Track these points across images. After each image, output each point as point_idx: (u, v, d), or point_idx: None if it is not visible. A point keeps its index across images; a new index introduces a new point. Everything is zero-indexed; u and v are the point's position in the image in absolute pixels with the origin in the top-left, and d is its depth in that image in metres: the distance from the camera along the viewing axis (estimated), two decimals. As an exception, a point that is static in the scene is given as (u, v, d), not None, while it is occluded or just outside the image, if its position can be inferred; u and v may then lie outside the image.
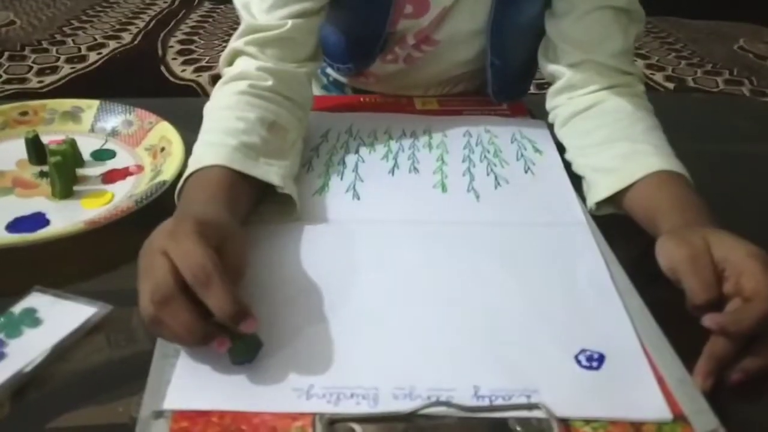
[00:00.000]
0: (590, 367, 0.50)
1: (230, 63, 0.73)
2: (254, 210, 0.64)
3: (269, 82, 0.69)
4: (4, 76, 2.49)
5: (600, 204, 0.67)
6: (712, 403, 0.47)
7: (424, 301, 0.55)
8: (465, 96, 0.93)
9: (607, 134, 0.70)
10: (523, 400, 0.47)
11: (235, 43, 0.72)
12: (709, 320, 0.49)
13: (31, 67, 2.56)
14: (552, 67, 0.78)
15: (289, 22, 0.71)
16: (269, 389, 0.47)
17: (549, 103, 0.80)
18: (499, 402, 0.46)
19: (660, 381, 0.49)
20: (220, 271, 0.47)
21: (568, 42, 0.76)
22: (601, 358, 0.50)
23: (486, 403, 0.46)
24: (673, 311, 0.53)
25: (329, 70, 0.96)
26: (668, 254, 0.55)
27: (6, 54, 2.67)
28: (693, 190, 0.63)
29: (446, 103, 0.87)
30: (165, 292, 0.47)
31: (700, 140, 0.85)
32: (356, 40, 0.86)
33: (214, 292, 0.46)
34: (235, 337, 0.48)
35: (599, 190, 0.67)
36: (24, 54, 2.68)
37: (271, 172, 0.62)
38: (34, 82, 2.44)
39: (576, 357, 0.50)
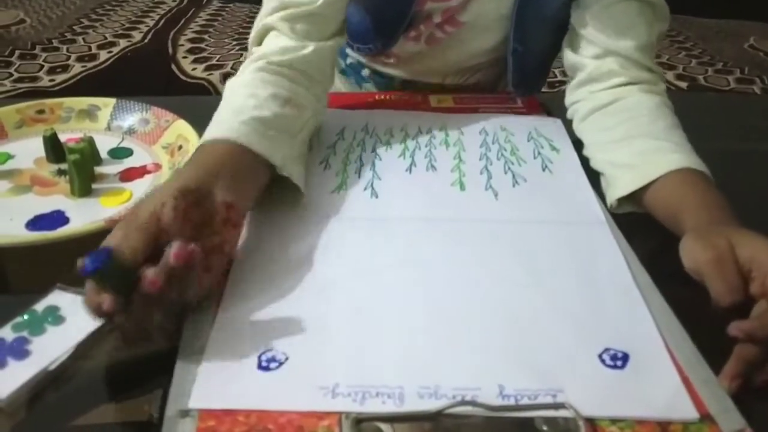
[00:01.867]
0: (615, 366, 0.50)
1: (260, 41, 0.73)
2: (267, 194, 0.63)
3: (289, 57, 0.69)
4: (16, 75, 2.49)
5: (620, 201, 0.67)
6: (738, 402, 0.47)
7: (446, 299, 0.55)
8: (482, 90, 0.92)
9: (627, 130, 0.70)
10: (548, 400, 0.46)
11: (266, 19, 0.72)
12: (735, 329, 0.48)
13: (42, 66, 2.56)
14: (574, 59, 0.78)
15: None
16: (295, 388, 0.47)
17: (569, 98, 0.80)
18: (525, 401, 0.46)
19: (685, 381, 0.49)
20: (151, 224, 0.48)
21: (592, 32, 0.76)
22: (625, 357, 0.50)
23: (511, 402, 0.46)
24: (695, 310, 0.53)
25: (348, 51, 0.96)
26: (692, 255, 0.54)
27: (17, 53, 2.67)
28: (715, 188, 0.63)
29: (461, 101, 0.87)
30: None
31: (715, 138, 0.85)
32: (382, 19, 0.85)
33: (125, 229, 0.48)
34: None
35: (620, 186, 0.66)
36: (35, 53, 2.68)
37: (274, 150, 0.61)
38: (45, 81, 2.44)
39: (600, 356, 0.50)
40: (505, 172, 0.73)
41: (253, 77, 0.67)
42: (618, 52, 0.75)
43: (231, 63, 2.60)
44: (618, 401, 0.47)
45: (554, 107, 0.86)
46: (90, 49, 2.45)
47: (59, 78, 2.46)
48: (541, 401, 0.46)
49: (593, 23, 0.76)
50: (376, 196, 0.68)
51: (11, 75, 2.49)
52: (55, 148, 0.71)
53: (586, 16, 0.77)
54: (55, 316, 0.53)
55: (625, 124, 0.71)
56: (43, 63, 2.60)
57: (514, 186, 0.71)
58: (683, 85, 1.72)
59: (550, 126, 0.82)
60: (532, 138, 0.79)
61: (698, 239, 0.55)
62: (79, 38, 2.45)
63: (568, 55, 0.80)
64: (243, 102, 0.64)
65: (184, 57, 2.69)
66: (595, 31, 0.76)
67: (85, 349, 0.50)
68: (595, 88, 0.76)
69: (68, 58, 2.63)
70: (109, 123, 0.77)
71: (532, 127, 0.81)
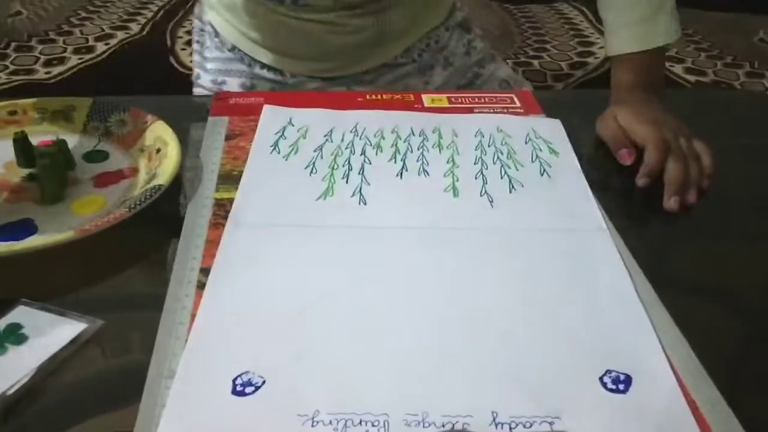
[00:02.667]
0: (617, 390, 0.46)
1: None
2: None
3: None
4: (11, 67, 2.46)
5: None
6: (747, 427, 0.44)
7: (437, 317, 0.52)
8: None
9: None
10: (545, 428, 0.43)
11: None
12: (640, 180, 0.70)
13: (38, 58, 2.53)
14: None
15: None
16: (272, 416, 0.43)
17: None
18: (520, 429, 0.43)
19: (691, 404, 0.45)
20: None
21: None
22: (628, 380, 0.47)
23: (506, 430, 0.43)
24: (700, 322, 0.50)
25: None
26: (606, 122, 0.78)
27: (13, 45, 2.64)
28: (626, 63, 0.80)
29: (456, 101, 0.83)
30: None
31: (732, 136, 0.82)
32: None
33: None
34: None
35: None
36: (31, 45, 2.65)
37: None
38: (41, 73, 2.41)
39: (601, 379, 0.47)
40: (502, 177, 0.69)
41: None
42: None
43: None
44: (620, 428, 0.44)
45: (553, 107, 0.82)
46: (87, 41, 2.42)
47: (56, 70, 2.43)
48: (538, 429, 0.43)
49: None
50: (365, 203, 0.64)
51: (7, 67, 2.46)
52: (25, 152, 0.67)
53: None
54: (17, 335, 0.49)
55: None
56: (39, 55, 2.56)
57: (510, 192, 0.67)
58: (692, 78, 1.69)
59: (549, 127, 0.78)
60: (530, 140, 0.76)
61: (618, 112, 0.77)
62: (76, 30, 2.42)
63: None
64: None
65: (183, 49, 2.65)
66: None
67: (48, 370, 0.47)
68: None
69: (65, 50, 2.60)
70: (85, 124, 0.74)
71: (530, 128, 0.78)
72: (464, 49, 1.03)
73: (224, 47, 0.99)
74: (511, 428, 0.43)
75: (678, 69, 1.74)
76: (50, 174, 0.63)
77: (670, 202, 0.67)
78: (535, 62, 1.76)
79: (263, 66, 0.97)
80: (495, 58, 1.07)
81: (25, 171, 0.67)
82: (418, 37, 0.99)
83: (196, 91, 1.02)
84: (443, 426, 0.43)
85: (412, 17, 0.96)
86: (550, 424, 0.44)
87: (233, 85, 0.98)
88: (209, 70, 1.00)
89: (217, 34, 1.00)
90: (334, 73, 0.97)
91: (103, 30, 2.34)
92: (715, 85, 1.67)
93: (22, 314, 0.51)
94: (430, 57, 1.00)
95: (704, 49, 1.86)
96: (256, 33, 0.95)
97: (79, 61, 2.51)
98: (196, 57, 1.04)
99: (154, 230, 0.62)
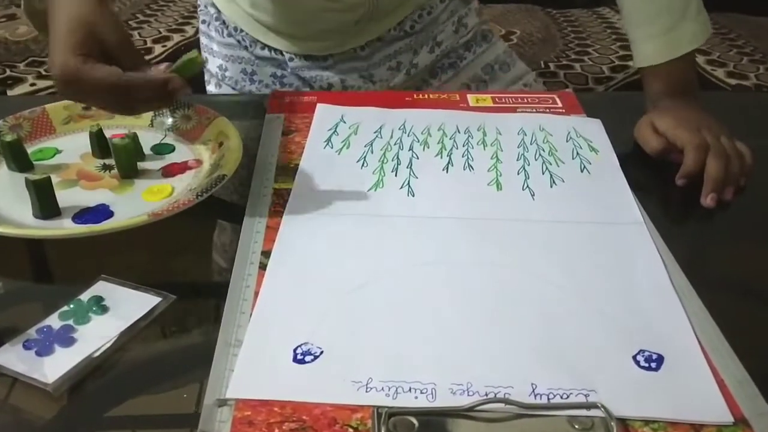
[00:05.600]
0: (649, 368, 0.49)
1: None
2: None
3: None
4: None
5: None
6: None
7: (481, 298, 0.55)
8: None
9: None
10: (581, 400, 0.46)
11: None
12: (679, 180, 0.73)
13: (100, 61, 2.62)
14: None
15: None
16: (329, 381, 0.48)
17: None
18: (557, 400, 0.46)
19: (720, 383, 0.48)
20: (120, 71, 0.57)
21: None
22: (660, 359, 0.50)
23: (543, 401, 0.46)
24: (732, 313, 0.53)
25: None
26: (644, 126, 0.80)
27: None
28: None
29: (500, 101, 0.87)
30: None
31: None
32: None
33: (138, 87, 0.59)
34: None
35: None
36: (93, 48, 2.74)
37: None
38: (104, 74, 2.49)
39: (634, 357, 0.50)
40: (543, 173, 0.72)
41: None
42: None
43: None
44: (651, 403, 0.47)
45: (595, 108, 0.85)
46: (145, 43, 2.49)
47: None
48: (574, 401, 0.46)
49: None
50: (413, 195, 0.68)
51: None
52: (100, 144, 0.73)
53: None
54: (99, 305, 0.54)
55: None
56: (101, 56, 2.65)
57: (551, 186, 0.70)
58: (732, 82, 1.69)
59: (590, 126, 0.81)
60: (570, 138, 0.79)
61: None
62: (135, 33, 2.49)
63: None
64: None
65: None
66: None
67: (127, 338, 0.52)
68: None
69: (125, 52, 2.68)
70: (152, 120, 0.79)
71: (571, 127, 0.81)
72: (453, 28, 1.03)
73: (225, 32, 1.02)
74: (549, 399, 0.47)
75: (720, 73, 1.74)
76: (125, 152, 0.70)
77: (707, 200, 0.69)
78: (577, 65, 1.77)
79: (264, 47, 1.00)
80: (487, 37, 1.07)
81: (100, 161, 0.73)
82: (411, 9, 0.99)
83: (206, 76, 1.06)
84: (486, 395, 0.47)
85: None
86: (586, 396, 0.47)
87: (234, 71, 1.02)
88: (216, 53, 1.04)
89: (218, 17, 1.02)
90: (332, 50, 0.98)
91: (160, 32, 2.42)
92: (757, 89, 1.67)
93: (103, 288, 0.56)
94: (422, 35, 1.01)
95: (747, 53, 1.85)
96: (257, 12, 0.97)
97: (139, 62, 2.59)
98: (203, 39, 1.07)
99: (219, 216, 0.67)
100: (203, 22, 1.06)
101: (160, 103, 0.64)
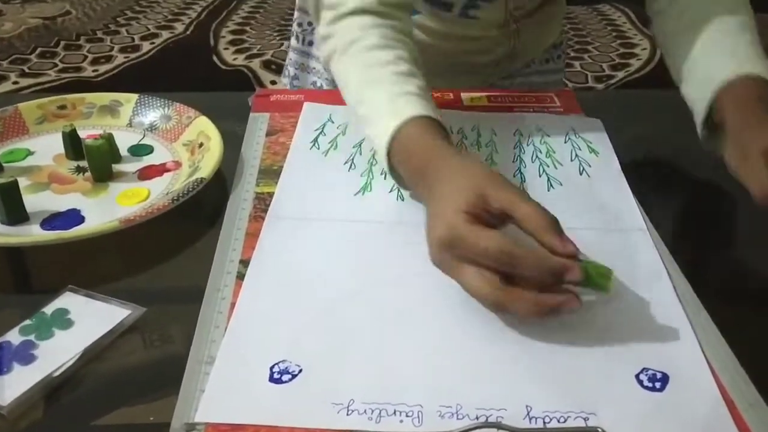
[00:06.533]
0: (653, 388, 0.46)
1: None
2: None
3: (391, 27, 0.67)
4: (60, 65, 2.53)
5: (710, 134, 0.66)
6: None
7: (472, 312, 0.52)
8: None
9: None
10: (580, 423, 0.43)
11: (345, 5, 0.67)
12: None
13: (86, 57, 2.61)
14: None
15: None
16: (308, 403, 0.44)
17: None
18: (554, 424, 0.43)
19: (729, 404, 0.45)
20: (509, 242, 0.48)
21: None
22: (664, 379, 0.47)
23: (539, 424, 0.43)
24: (741, 326, 0.50)
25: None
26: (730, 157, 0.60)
27: (62, 43, 2.71)
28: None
29: (495, 99, 0.84)
30: (494, 300, 0.48)
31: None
32: None
33: (525, 265, 0.47)
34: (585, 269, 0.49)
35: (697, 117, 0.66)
36: (79, 44, 2.73)
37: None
38: (89, 71, 2.48)
39: (637, 377, 0.47)
40: (540, 175, 0.69)
41: (370, 52, 0.65)
42: None
43: (272, 52, 2.59)
44: (656, 426, 0.44)
45: (594, 107, 0.82)
46: (133, 40, 2.48)
47: (102, 68, 2.50)
48: (572, 425, 0.43)
49: None
50: (402, 199, 0.65)
51: (56, 65, 2.54)
52: (74, 145, 0.69)
53: None
54: (63, 319, 0.51)
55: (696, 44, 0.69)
56: (87, 54, 2.64)
57: (548, 190, 0.67)
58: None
59: (590, 126, 0.78)
60: (569, 139, 0.75)
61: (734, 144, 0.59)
62: (123, 30, 2.48)
63: None
64: (394, 79, 0.62)
65: (226, 48, 2.70)
66: None
67: (92, 354, 0.49)
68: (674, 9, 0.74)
69: (112, 49, 2.67)
70: (130, 119, 0.76)
71: (570, 127, 0.77)
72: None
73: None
74: (545, 422, 0.43)
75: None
76: (98, 154, 0.66)
77: None
78: (576, 63, 1.74)
79: None
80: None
81: (74, 163, 0.69)
82: (550, 43, 0.97)
83: (283, 81, 1.02)
84: (477, 418, 0.43)
85: (538, 36, 0.95)
86: (585, 419, 0.44)
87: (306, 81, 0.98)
88: (314, 72, 0.98)
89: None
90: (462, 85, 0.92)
91: (148, 29, 2.40)
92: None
93: (68, 300, 0.53)
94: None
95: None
96: None
97: (125, 59, 2.58)
98: (291, 55, 1.02)
99: (196, 222, 0.63)
100: (298, 30, 1.00)
101: (543, 299, 0.48)
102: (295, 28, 1.01)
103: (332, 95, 0.86)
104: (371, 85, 0.64)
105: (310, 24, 0.98)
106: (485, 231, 0.49)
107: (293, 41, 1.01)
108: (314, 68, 0.98)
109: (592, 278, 0.49)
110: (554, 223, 0.50)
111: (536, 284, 0.48)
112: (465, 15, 0.84)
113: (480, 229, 0.49)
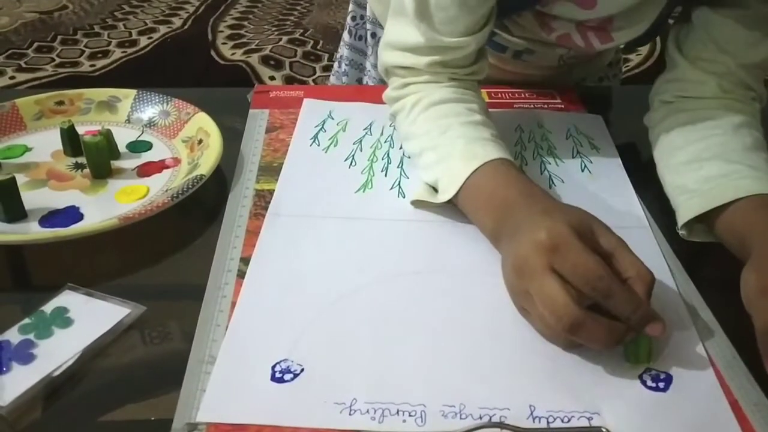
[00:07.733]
0: (656, 389, 0.46)
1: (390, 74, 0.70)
2: None
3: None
4: (57, 60, 2.51)
5: (691, 228, 0.60)
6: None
7: (476, 310, 0.52)
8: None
9: (698, 152, 0.63)
10: (583, 423, 0.43)
11: (417, 59, 0.66)
12: None
13: (83, 51, 2.59)
14: (675, 54, 0.69)
15: (472, 41, 0.65)
16: (310, 403, 0.44)
17: (655, 88, 0.72)
18: (558, 424, 0.43)
19: (734, 405, 0.45)
20: (612, 273, 0.46)
21: (704, 35, 0.66)
22: (668, 379, 0.46)
23: (542, 424, 0.43)
24: (746, 325, 0.49)
25: None
26: (744, 282, 0.49)
27: (59, 38, 2.70)
28: None
29: (496, 96, 0.83)
30: (573, 318, 0.45)
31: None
32: None
33: (619, 299, 0.46)
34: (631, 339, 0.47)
35: (683, 213, 0.60)
36: (76, 38, 2.70)
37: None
38: (86, 66, 2.46)
39: (641, 377, 0.47)
40: (541, 173, 0.69)
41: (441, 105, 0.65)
42: (725, 64, 0.66)
43: (270, 47, 2.58)
44: (659, 426, 0.43)
45: (595, 103, 0.81)
46: (131, 35, 2.46)
47: (100, 63, 2.48)
48: (576, 424, 0.43)
49: (714, 29, 0.66)
50: (403, 197, 0.64)
51: (53, 60, 2.52)
52: (72, 141, 0.69)
53: (712, 18, 0.66)
54: (63, 318, 0.50)
55: (698, 144, 0.63)
56: (84, 48, 2.62)
57: (550, 187, 0.67)
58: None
59: (591, 123, 0.78)
60: (570, 136, 0.75)
61: (752, 266, 0.50)
62: (120, 24, 2.46)
63: (670, 46, 0.70)
64: (464, 129, 0.63)
65: (224, 43, 2.68)
66: (708, 37, 0.66)
67: (92, 353, 0.48)
68: (682, 92, 0.69)
69: (109, 43, 2.65)
70: (129, 115, 0.75)
71: (571, 124, 0.77)
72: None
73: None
74: (548, 422, 0.43)
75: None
76: (97, 150, 0.65)
77: None
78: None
79: None
80: None
81: (72, 160, 0.68)
82: (603, 65, 0.96)
83: (331, 79, 1.02)
84: (480, 418, 0.43)
85: (593, 65, 0.94)
86: (589, 419, 0.43)
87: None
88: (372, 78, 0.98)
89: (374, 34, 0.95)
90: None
91: (146, 24, 2.38)
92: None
93: (68, 299, 0.52)
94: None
95: None
96: None
97: (123, 54, 2.56)
98: (344, 50, 1.01)
99: (196, 219, 0.63)
100: (352, 27, 1.00)
101: (618, 326, 0.46)
102: (348, 21, 1.01)
103: (332, 91, 0.86)
104: (445, 131, 0.63)
105: (362, 18, 0.98)
106: (593, 252, 0.47)
107: (345, 36, 1.01)
108: (368, 70, 0.99)
109: (640, 348, 0.47)
110: (653, 282, 0.48)
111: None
112: (518, 57, 0.84)
113: (588, 248, 0.47)
